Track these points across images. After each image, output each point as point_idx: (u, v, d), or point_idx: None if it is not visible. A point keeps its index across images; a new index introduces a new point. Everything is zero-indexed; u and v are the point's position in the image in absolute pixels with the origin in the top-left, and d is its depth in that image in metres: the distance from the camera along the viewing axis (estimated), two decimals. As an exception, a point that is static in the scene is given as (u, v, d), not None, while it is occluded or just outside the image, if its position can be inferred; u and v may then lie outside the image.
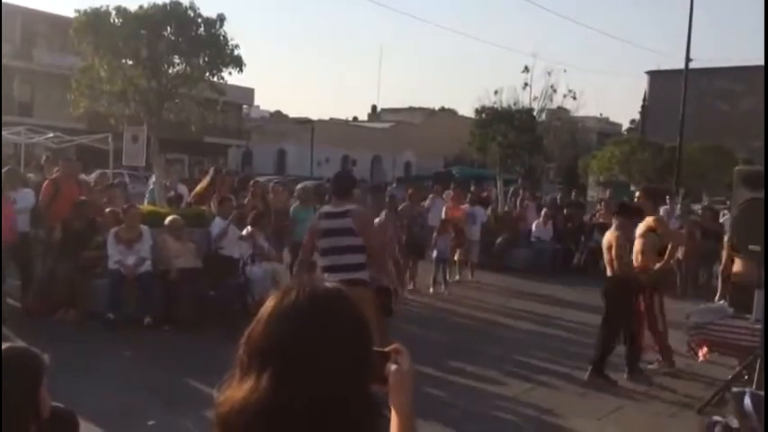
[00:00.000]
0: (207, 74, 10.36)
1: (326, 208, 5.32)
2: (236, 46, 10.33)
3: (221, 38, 10.22)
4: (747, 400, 4.00)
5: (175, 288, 7.53)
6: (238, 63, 10.35)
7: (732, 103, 38.16)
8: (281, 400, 1.11)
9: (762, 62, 37.29)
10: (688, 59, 22.86)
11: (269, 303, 1.22)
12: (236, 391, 1.16)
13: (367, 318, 1.26)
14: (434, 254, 11.14)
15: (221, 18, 10.26)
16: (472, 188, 16.40)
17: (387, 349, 1.29)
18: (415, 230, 10.80)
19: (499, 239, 13.68)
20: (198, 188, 9.87)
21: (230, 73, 10.47)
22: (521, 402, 5.75)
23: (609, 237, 6.55)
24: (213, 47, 10.11)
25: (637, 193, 6.93)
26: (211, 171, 9.79)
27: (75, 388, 4.50)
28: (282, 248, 9.69)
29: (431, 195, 13.92)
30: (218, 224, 8.33)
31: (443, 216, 11.89)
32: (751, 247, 5.33)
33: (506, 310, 9.81)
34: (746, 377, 5.79)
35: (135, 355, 6.58)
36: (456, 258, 12.05)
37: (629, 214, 6.70)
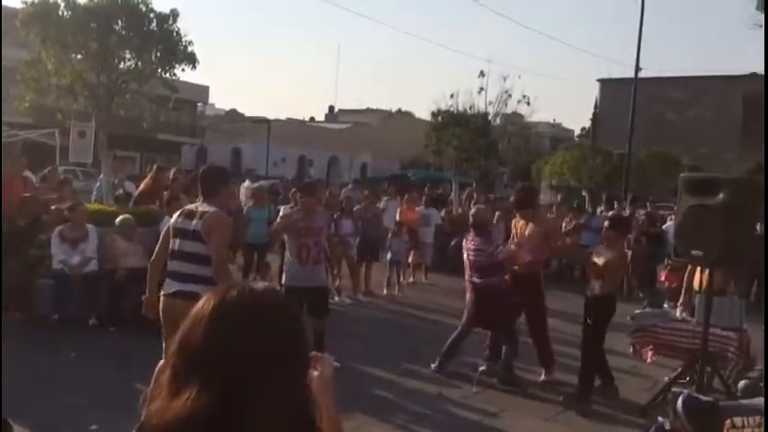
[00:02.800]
0: (159, 70, 10.16)
1: (191, 206, 4.54)
2: (190, 42, 10.17)
3: (174, 33, 10.05)
4: (679, 402, 4.11)
5: (122, 288, 7.35)
6: (192, 60, 10.19)
7: (679, 112, 39.30)
8: (231, 408, 1.08)
9: (707, 73, 38.60)
10: (638, 68, 23.49)
11: (204, 305, 1.17)
12: (170, 401, 1.10)
13: (301, 318, 1.25)
14: (388, 256, 11.17)
15: (174, 13, 10.08)
16: (427, 190, 16.49)
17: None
18: (370, 232, 10.80)
19: (453, 241, 13.75)
20: (141, 186, 9.60)
21: (183, 70, 10.31)
22: (471, 404, 5.79)
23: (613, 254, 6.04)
24: (166, 42, 9.92)
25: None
26: (154, 168, 9.54)
27: (16, 391, 4.34)
28: (236, 249, 9.56)
29: (385, 197, 13.94)
30: (166, 223, 8.14)
31: (398, 218, 11.93)
32: (693, 252, 5.49)
33: (459, 312, 9.77)
34: (688, 378, 5.98)
35: (79, 356, 6.39)
36: (410, 260, 12.10)
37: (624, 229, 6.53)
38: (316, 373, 1.28)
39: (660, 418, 4.37)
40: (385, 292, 10.90)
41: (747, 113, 37.79)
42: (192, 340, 1.14)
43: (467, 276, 6.62)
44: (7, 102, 10.96)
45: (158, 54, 10.00)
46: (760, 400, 4.44)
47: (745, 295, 6.87)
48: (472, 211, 7.06)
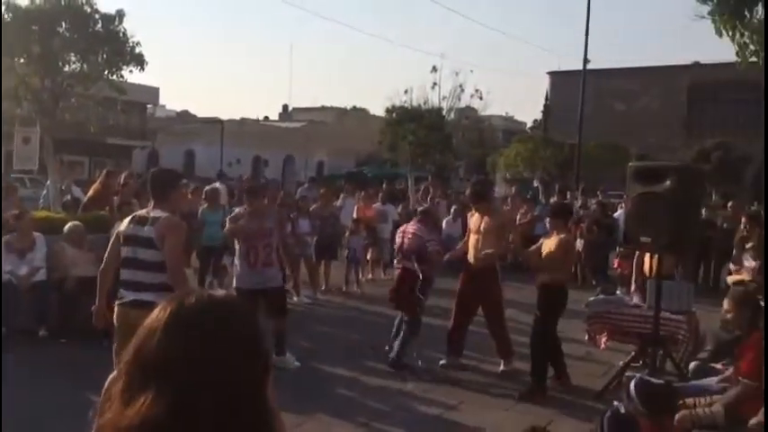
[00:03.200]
0: (106, 72, 9.93)
1: (142, 211, 4.39)
2: (137, 43, 9.98)
3: (121, 34, 9.83)
4: (632, 386, 4.23)
5: (72, 298, 7.15)
6: (139, 61, 9.99)
7: (628, 103, 40.21)
8: (185, 417, 1.06)
9: (655, 63, 39.60)
10: (586, 60, 23.98)
11: (160, 313, 1.16)
12: (124, 411, 1.08)
13: (263, 325, 1.24)
14: (347, 253, 11.15)
15: (120, 14, 9.86)
16: (384, 186, 16.55)
17: None
18: (328, 231, 10.77)
19: (411, 237, 13.84)
20: (90, 192, 9.36)
21: (131, 71, 10.10)
22: (431, 398, 5.83)
23: (556, 241, 6.07)
24: (112, 44, 9.70)
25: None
26: (104, 173, 9.31)
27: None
28: (190, 253, 9.41)
29: (342, 195, 13.92)
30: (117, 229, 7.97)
31: (355, 215, 11.92)
32: (643, 238, 5.64)
33: (418, 306, 9.92)
34: (641, 362, 6.15)
35: (30, 370, 6.20)
36: (368, 257, 12.11)
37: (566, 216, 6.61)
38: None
39: (615, 402, 4.49)
40: (344, 289, 10.89)
41: (692, 102, 38.98)
42: (147, 349, 1.12)
43: (396, 259, 6.92)
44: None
45: (104, 56, 9.77)
46: (710, 381, 4.61)
47: (692, 279, 7.09)
48: (425, 206, 7.21)
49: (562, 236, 6.10)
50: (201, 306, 1.16)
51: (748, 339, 4.13)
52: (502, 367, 6.56)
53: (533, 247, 6.52)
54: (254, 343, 1.17)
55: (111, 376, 1.23)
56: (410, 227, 6.84)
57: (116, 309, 4.22)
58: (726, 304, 4.28)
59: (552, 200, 16.40)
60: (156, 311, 1.17)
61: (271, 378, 1.20)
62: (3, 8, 9.24)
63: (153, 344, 1.12)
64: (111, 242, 4.43)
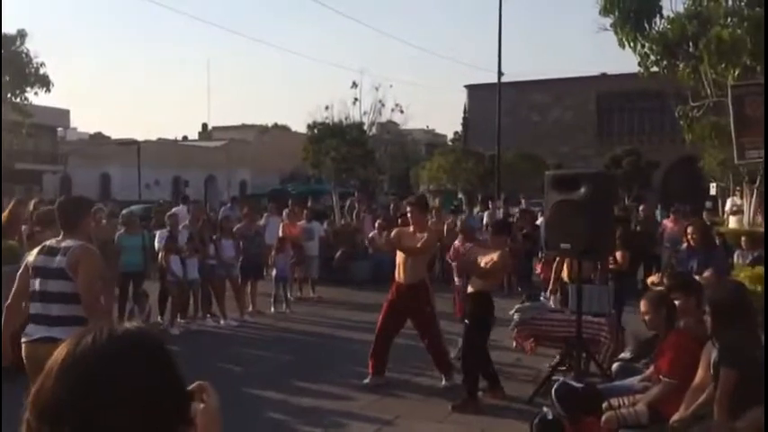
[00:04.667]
0: (9, 94, 9.45)
1: (52, 241, 4.17)
2: (42, 64, 9.56)
3: (24, 55, 9.39)
4: (553, 391, 4.33)
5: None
6: (45, 82, 9.58)
7: (542, 114, 41.69)
8: None
9: (564, 75, 41.24)
10: (500, 74, 24.66)
11: (59, 353, 1.07)
12: None
13: (174, 359, 1.15)
14: (274, 273, 10.99)
15: (22, 34, 9.40)
16: (309, 204, 16.44)
17: (190, 388, 1.19)
18: (253, 250, 10.57)
19: (338, 253, 13.78)
20: (-2, 221, 8.85)
21: (36, 93, 9.65)
22: (365, 414, 5.79)
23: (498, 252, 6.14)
24: (14, 65, 9.24)
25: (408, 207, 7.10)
26: (12, 202, 8.84)
27: None
28: (113, 281, 9.02)
29: (266, 214, 13.72)
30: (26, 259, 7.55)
31: (280, 234, 11.77)
32: (563, 245, 5.81)
33: (349, 323, 9.89)
34: (567, 366, 6.30)
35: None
36: (296, 276, 11.97)
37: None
38: (201, 406, 1.20)
39: (544, 408, 4.58)
40: (272, 310, 10.70)
41: (601, 111, 40.84)
42: (43, 393, 1.03)
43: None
44: None
45: (6, 78, 9.29)
46: (632, 380, 4.76)
47: (605, 282, 7.34)
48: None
49: (503, 251, 6.22)
50: (98, 346, 1.06)
51: (666, 339, 4.29)
52: (444, 382, 6.48)
53: (469, 255, 6.61)
54: (157, 381, 1.07)
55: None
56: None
57: (24, 346, 3.97)
58: (642, 306, 4.43)
59: (476, 209, 16.73)
60: (57, 350, 1.08)
61: (189, 425, 1.13)
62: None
63: (47, 388, 1.03)
64: (18, 274, 4.17)
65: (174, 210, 11.72)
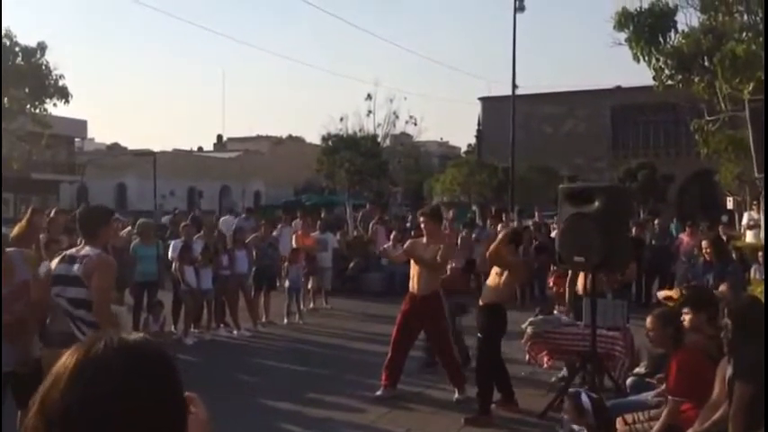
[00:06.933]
0: (28, 106, 9.61)
1: (72, 250, 4.34)
2: (61, 76, 9.71)
3: (43, 67, 9.55)
4: (585, 398, 4.28)
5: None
6: (64, 94, 9.73)
7: (555, 126, 41.61)
8: None
9: (578, 88, 41.16)
10: (514, 86, 24.72)
11: (68, 360, 1.08)
12: None
13: (178, 371, 1.17)
14: (287, 284, 11.02)
15: (42, 46, 9.58)
16: (323, 215, 16.50)
17: None
18: (266, 261, 10.62)
19: (351, 264, 13.82)
20: (15, 230, 8.99)
21: (55, 105, 9.80)
22: (377, 427, 5.78)
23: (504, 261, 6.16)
24: (34, 77, 9.39)
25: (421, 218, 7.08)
26: (30, 211, 8.97)
27: None
28: (124, 289, 9.09)
29: (279, 225, 13.78)
30: (45, 268, 7.63)
31: (294, 245, 11.82)
32: (576, 258, 5.79)
33: (362, 335, 9.88)
34: (580, 380, 6.26)
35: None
36: (309, 287, 12.00)
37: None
38: (190, 417, 1.21)
39: (565, 416, 4.53)
40: (285, 321, 10.73)
41: (615, 124, 40.70)
42: (51, 399, 1.05)
43: None
44: None
45: (26, 90, 9.45)
46: (646, 395, 4.72)
47: (621, 296, 7.29)
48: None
49: (514, 259, 6.22)
50: (108, 352, 1.07)
51: (672, 357, 4.23)
52: (456, 396, 6.44)
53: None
54: (166, 392, 1.10)
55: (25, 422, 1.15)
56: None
57: (43, 352, 4.05)
58: (648, 323, 4.38)
59: (488, 222, 16.66)
60: (64, 357, 1.10)
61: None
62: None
63: (57, 394, 1.05)
64: (37, 281, 4.26)
65: (222, 218, 11.78)
